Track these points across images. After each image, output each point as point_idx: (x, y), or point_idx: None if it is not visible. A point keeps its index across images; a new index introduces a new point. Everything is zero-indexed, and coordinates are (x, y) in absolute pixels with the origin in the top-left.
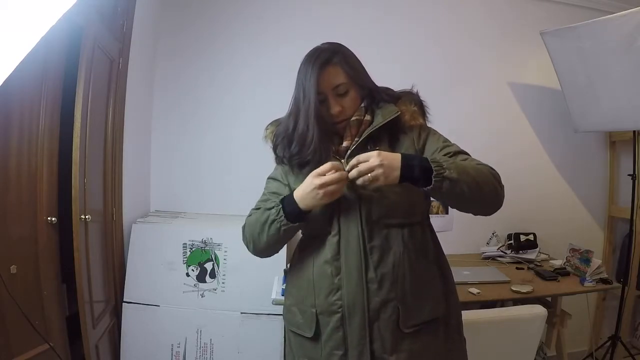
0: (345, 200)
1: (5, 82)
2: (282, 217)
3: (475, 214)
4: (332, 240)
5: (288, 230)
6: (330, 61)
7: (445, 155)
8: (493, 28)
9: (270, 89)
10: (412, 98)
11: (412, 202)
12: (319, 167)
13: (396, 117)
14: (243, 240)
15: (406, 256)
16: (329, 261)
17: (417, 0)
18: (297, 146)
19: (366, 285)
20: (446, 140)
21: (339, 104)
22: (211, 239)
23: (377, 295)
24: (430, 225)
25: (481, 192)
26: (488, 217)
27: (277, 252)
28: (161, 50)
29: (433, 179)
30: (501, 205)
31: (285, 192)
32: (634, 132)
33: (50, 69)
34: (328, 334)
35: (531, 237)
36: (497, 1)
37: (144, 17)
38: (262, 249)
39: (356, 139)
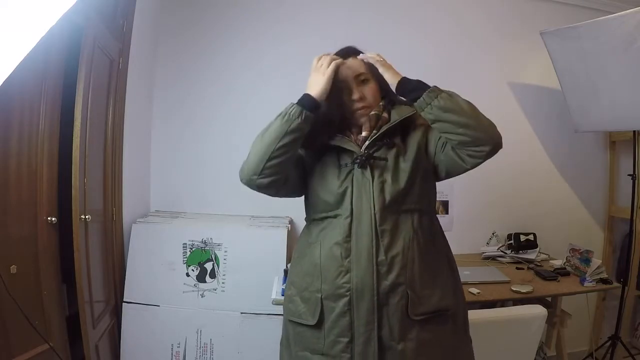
0: (359, 183)
1: (5, 82)
2: (294, 105)
3: (475, 144)
4: (343, 222)
5: (300, 122)
6: (352, 52)
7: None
8: (493, 28)
9: (272, 89)
10: None
11: (422, 189)
12: (340, 145)
13: (410, 117)
14: (241, 170)
15: (415, 242)
16: (339, 242)
17: (416, 2)
18: (323, 125)
19: (376, 267)
20: None
21: (360, 91)
22: (211, 239)
23: (386, 279)
24: (437, 219)
25: (477, 114)
26: (488, 217)
27: (272, 176)
28: (161, 50)
29: (427, 92)
30: (500, 142)
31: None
32: (634, 132)
33: (50, 69)
34: (333, 320)
35: (531, 237)
36: (497, 1)
37: (144, 17)
38: (260, 156)
39: (374, 131)
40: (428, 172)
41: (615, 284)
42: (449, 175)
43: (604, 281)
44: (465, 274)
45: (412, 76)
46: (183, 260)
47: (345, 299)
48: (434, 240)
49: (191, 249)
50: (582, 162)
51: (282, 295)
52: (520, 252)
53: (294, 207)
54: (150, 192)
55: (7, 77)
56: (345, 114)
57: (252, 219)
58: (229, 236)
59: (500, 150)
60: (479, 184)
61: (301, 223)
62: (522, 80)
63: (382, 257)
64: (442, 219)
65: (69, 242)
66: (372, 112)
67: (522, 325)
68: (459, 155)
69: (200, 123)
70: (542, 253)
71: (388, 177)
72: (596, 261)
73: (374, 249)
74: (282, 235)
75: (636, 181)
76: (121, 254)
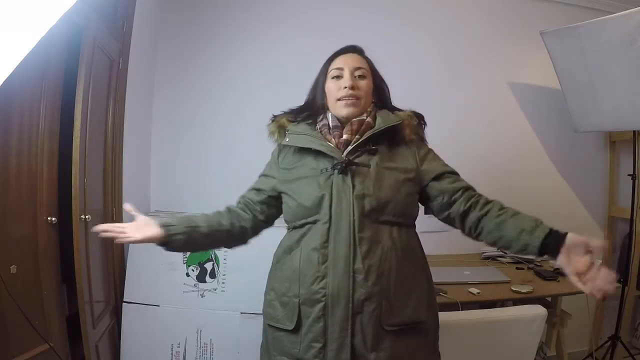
0: (338, 189)
1: (5, 82)
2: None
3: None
4: (322, 227)
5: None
6: (357, 50)
7: (455, 188)
8: (493, 28)
9: (272, 89)
10: (415, 114)
11: (405, 204)
12: (319, 150)
13: (398, 127)
14: None
15: (393, 253)
16: (316, 248)
17: (416, 2)
18: (304, 111)
19: (352, 275)
20: (445, 164)
21: (354, 82)
22: None
23: (362, 287)
24: (416, 234)
25: None
26: None
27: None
28: (161, 49)
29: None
30: None
31: (268, 187)
32: (634, 132)
33: (50, 69)
34: (308, 325)
35: None
36: (497, 1)
37: (144, 17)
38: None
39: (357, 137)
40: (411, 186)
41: (615, 284)
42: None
43: None
44: (465, 274)
45: (412, 76)
46: (183, 260)
47: (321, 305)
48: (411, 254)
49: None
50: (582, 162)
51: None
52: None
53: None
54: (150, 192)
55: (7, 77)
56: (325, 102)
57: None
58: None
59: (501, 150)
60: (479, 183)
61: None
62: (522, 80)
63: (359, 264)
64: None
65: (69, 242)
66: (355, 119)
67: (522, 325)
68: (453, 220)
69: (201, 123)
70: None
71: (370, 185)
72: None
73: (352, 256)
74: (282, 235)
75: (636, 181)
76: (121, 254)
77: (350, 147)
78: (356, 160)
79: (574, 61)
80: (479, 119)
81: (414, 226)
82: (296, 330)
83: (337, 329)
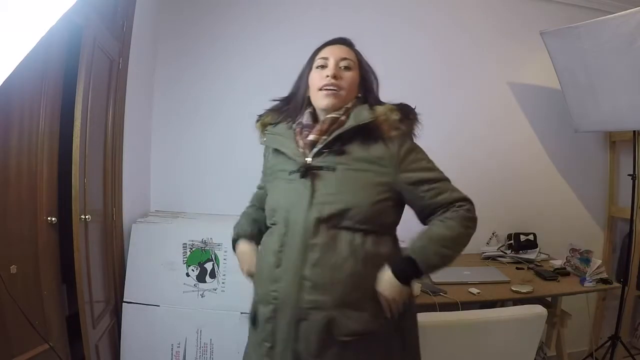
0: (298, 193)
1: (5, 82)
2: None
3: None
4: (279, 231)
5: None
6: (346, 42)
7: (432, 206)
8: (493, 28)
9: (272, 89)
10: (400, 108)
11: (371, 210)
12: (285, 153)
13: (372, 124)
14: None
15: (351, 262)
16: (274, 252)
17: (417, 2)
18: (289, 104)
19: (300, 281)
20: (426, 168)
21: (337, 72)
22: (211, 239)
23: (309, 295)
24: (394, 239)
25: (458, 253)
26: (488, 217)
27: None
28: (161, 49)
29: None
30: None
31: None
32: (634, 132)
33: (50, 69)
34: (261, 324)
35: (531, 237)
36: (497, 1)
37: (144, 17)
38: None
39: (324, 137)
40: (382, 191)
41: (615, 284)
42: None
43: (604, 281)
44: (465, 274)
45: (412, 76)
46: (183, 260)
47: (271, 307)
48: (379, 262)
49: (191, 249)
50: (582, 162)
51: None
52: (520, 252)
53: None
54: (150, 191)
55: (7, 77)
56: (307, 95)
57: None
58: (229, 236)
59: (501, 150)
60: (479, 184)
61: None
62: (522, 80)
63: (307, 271)
64: None
65: (69, 242)
66: (328, 115)
67: (522, 325)
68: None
69: (201, 123)
70: (542, 253)
71: (330, 190)
72: (596, 261)
73: (300, 263)
74: None
75: (636, 181)
76: (121, 254)
77: (315, 149)
78: (321, 163)
79: (574, 61)
80: (478, 119)
81: (389, 233)
82: (255, 327)
83: (283, 332)
